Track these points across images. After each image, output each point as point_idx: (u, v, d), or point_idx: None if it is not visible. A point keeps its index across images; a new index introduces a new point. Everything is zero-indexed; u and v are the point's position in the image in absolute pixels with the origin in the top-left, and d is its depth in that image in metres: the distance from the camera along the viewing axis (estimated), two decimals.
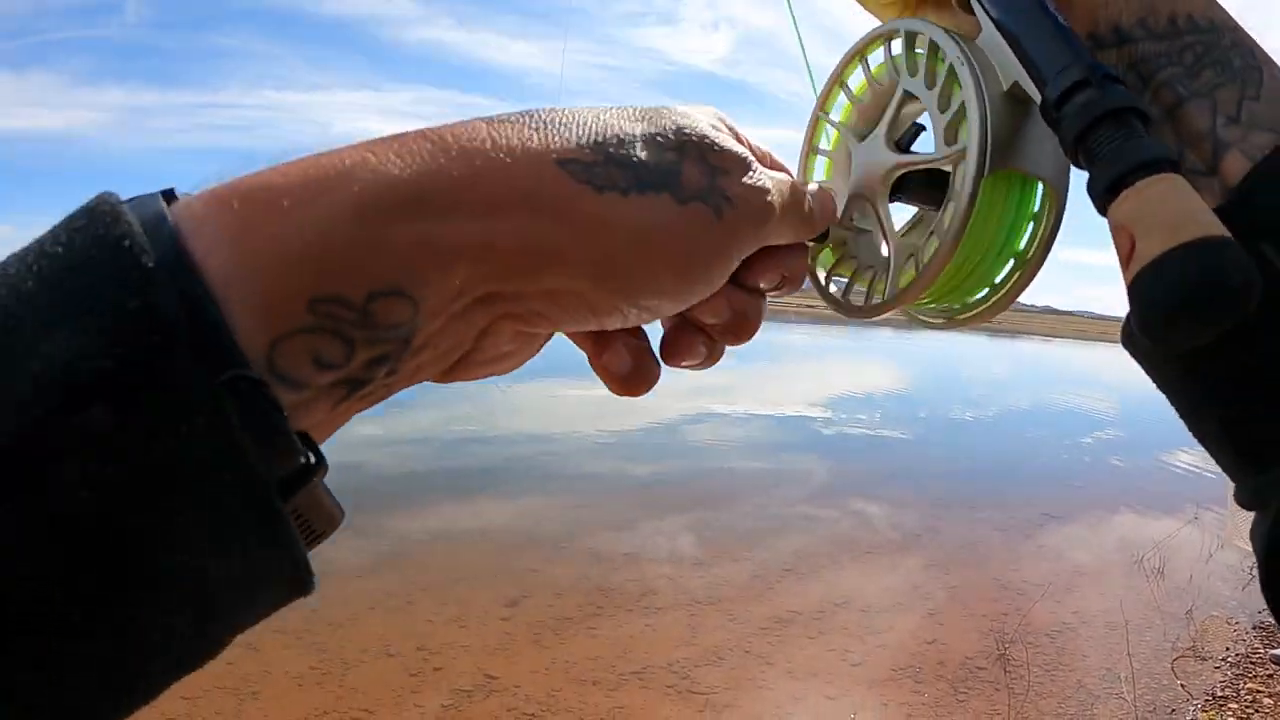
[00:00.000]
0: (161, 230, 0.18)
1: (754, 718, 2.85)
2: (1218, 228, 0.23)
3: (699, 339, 0.31)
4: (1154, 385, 0.34)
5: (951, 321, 0.35)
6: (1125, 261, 0.24)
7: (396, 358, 0.22)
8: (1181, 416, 0.34)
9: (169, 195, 0.20)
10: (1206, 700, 3.16)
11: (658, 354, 0.31)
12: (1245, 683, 3.31)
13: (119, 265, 0.17)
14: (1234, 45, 0.32)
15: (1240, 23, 0.33)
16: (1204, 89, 0.32)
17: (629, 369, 0.30)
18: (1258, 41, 0.33)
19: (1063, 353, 30.43)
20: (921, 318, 0.36)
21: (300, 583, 0.21)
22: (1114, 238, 0.25)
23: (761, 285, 0.31)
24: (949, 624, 3.68)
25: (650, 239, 0.25)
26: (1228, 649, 3.62)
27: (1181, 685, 3.25)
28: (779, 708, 2.91)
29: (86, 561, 0.17)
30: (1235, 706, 3.12)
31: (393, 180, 0.21)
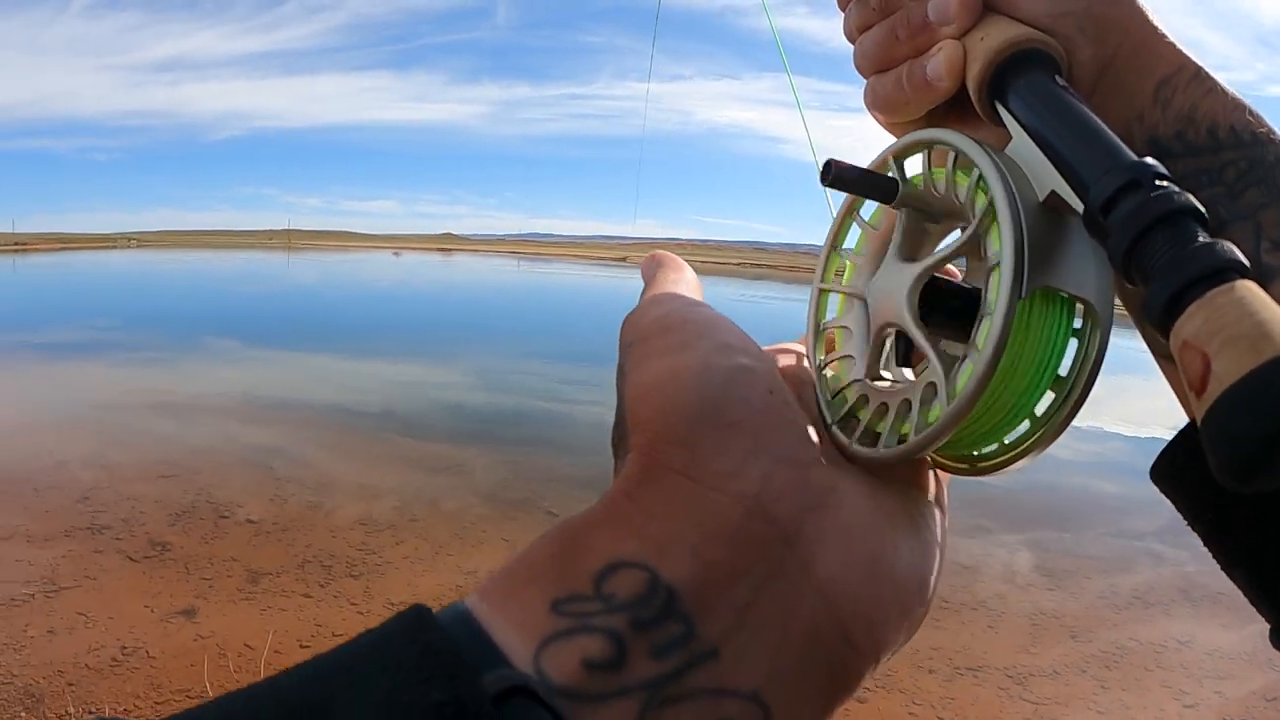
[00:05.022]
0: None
1: None
2: None
3: None
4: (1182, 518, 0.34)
5: (975, 469, 0.30)
6: (1198, 387, 0.19)
7: (685, 644, 0.20)
8: (1209, 550, 0.33)
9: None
10: None
11: None
12: None
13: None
14: (1279, 160, 0.30)
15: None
16: (1247, 210, 0.29)
17: None
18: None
19: None
20: (945, 461, 0.31)
21: None
22: (1181, 360, 0.20)
23: None
24: None
25: None
26: None
27: None
28: None
29: None
30: None
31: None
